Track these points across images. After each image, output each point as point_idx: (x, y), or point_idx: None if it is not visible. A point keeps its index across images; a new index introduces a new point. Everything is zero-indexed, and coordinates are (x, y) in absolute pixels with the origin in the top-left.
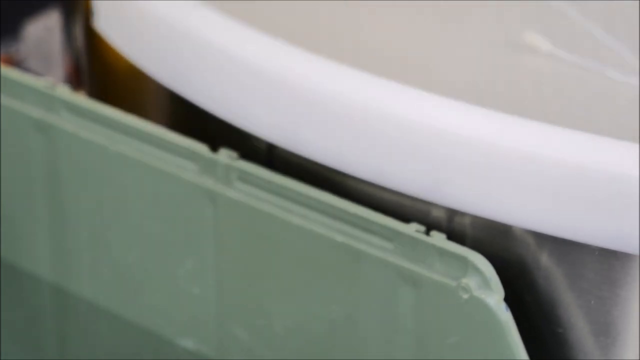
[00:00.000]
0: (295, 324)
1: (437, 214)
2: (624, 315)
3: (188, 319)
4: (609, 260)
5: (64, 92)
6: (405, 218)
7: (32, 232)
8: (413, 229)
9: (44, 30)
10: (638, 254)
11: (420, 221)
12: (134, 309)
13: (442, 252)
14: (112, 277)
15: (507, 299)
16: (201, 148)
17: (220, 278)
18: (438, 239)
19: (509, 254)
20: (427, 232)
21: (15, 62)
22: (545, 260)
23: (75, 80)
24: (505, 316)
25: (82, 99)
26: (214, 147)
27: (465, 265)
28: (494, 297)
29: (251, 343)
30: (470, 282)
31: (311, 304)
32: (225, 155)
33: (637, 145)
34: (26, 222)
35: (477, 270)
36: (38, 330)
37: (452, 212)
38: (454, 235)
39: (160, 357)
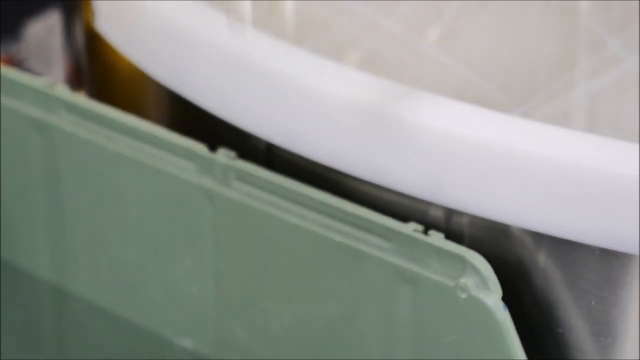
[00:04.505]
0: (293, 323)
1: (435, 213)
2: (624, 315)
3: (186, 318)
4: (609, 260)
5: (63, 91)
6: (404, 217)
7: (30, 231)
8: (411, 229)
9: (45, 30)
10: (638, 254)
11: (419, 221)
12: (133, 308)
13: (440, 252)
14: (110, 276)
15: (506, 299)
16: (199, 147)
17: (218, 278)
18: (436, 238)
19: (508, 253)
20: (425, 232)
21: (16, 62)
22: (544, 260)
23: (76, 80)
24: (503, 316)
25: (80, 99)
26: (213, 147)
27: (463, 265)
28: (492, 296)
29: (250, 342)
30: (468, 281)
31: (309, 303)
32: (224, 155)
33: (637, 145)
34: (25, 222)
35: (475, 270)
36: (37, 330)
37: (451, 212)
38: (452, 235)
39: (159, 357)
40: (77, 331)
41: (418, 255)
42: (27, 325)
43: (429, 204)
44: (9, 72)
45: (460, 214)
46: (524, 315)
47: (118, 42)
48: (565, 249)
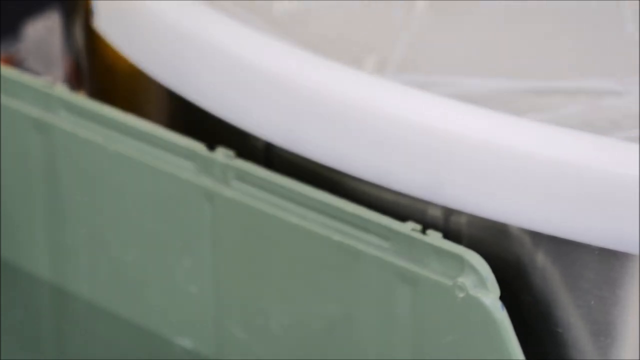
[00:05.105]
0: (292, 323)
1: (433, 212)
2: (623, 315)
3: (186, 318)
4: (608, 260)
5: (63, 91)
6: (402, 217)
7: (30, 231)
8: (409, 228)
9: (44, 30)
10: (638, 254)
11: (417, 220)
12: (132, 308)
13: (438, 251)
14: (110, 276)
15: (504, 299)
16: (198, 147)
17: (217, 277)
18: (434, 237)
19: (506, 253)
20: (424, 231)
21: (16, 62)
22: (542, 260)
23: (76, 80)
24: (501, 315)
25: (80, 98)
26: (212, 146)
27: (462, 264)
28: (490, 296)
29: (249, 342)
30: (466, 281)
31: (308, 302)
32: (223, 154)
33: (637, 145)
34: (24, 222)
35: (473, 270)
36: (37, 330)
37: (449, 211)
38: (450, 234)
39: (159, 356)
40: (77, 331)
41: (416, 254)
42: (27, 325)
43: (427, 203)
44: (9, 72)
45: (458, 213)
46: (522, 315)
47: (118, 42)
48: (564, 249)
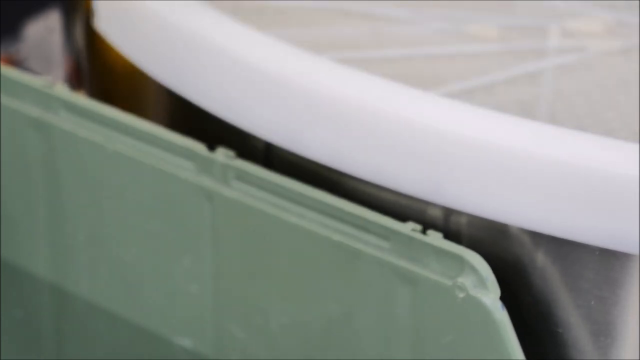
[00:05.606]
0: (292, 323)
1: (433, 212)
2: (623, 315)
3: (185, 317)
4: (609, 260)
5: (62, 91)
6: (402, 217)
7: (30, 231)
8: (409, 228)
9: (44, 30)
10: (638, 254)
11: (417, 220)
12: (132, 307)
13: (438, 251)
14: (110, 275)
15: (504, 299)
16: (199, 147)
17: (217, 277)
18: (434, 238)
19: (506, 253)
20: (424, 231)
21: (16, 62)
22: (542, 260)
23: (76, 80)
24: (501, 315)
25: (80, 98)
26: (212, 146)
27: (462, 264)
28: (490, 296)
29: (248, 342)
30: (466, 281)
31: (308, 302)
32: (223, 154)
33: (637, 145)
34: (24, 221)
35: (473, 270)
36: (37, 330)
37: (449, 211)
38: (450, 235)
39: (158, 356)
40: (76, 330)
41: (416, 254)
42: (26, 325)
43: (427, 203)
44: (9, 72)
45: (458, 213)
46: (522, 315)
47: (118, 42)
48: (564, 249)
